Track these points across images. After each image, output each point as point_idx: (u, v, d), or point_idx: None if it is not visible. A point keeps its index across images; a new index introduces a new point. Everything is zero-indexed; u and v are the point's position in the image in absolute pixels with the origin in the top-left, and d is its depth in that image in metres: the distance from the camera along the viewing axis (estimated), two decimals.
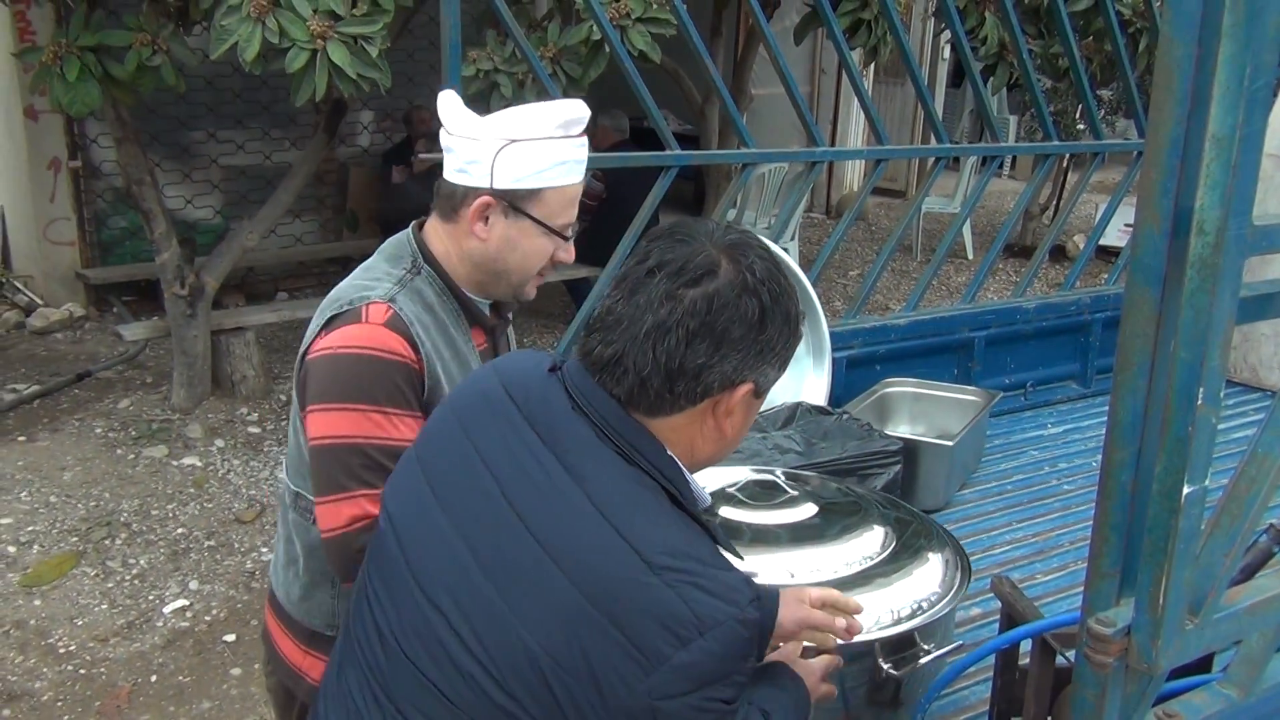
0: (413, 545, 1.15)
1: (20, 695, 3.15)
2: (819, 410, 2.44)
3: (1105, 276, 4.62)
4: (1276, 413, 0.98)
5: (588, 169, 1.55)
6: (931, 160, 3.53)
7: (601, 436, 1.10)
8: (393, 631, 1.13)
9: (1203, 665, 1.36)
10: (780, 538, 1.64)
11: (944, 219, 8.62)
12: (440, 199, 1.55)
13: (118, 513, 4.19)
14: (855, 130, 9.89)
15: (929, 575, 1.60)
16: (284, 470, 1.65)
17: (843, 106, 9.75)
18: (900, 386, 2.78)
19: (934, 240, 8.58)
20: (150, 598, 3.66)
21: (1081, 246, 6.66)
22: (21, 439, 4.75)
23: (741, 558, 1.18)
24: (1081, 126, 8.00)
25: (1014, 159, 11.35)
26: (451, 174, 1.52)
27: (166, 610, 3.60)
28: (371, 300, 1.47)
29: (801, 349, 2.45)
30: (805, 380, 2.61)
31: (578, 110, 1.49)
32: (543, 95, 3.58)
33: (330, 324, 1.48)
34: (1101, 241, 4.49)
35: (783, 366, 1.16)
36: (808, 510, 1.69)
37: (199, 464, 4.62)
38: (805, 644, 1.35)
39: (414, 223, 1.61)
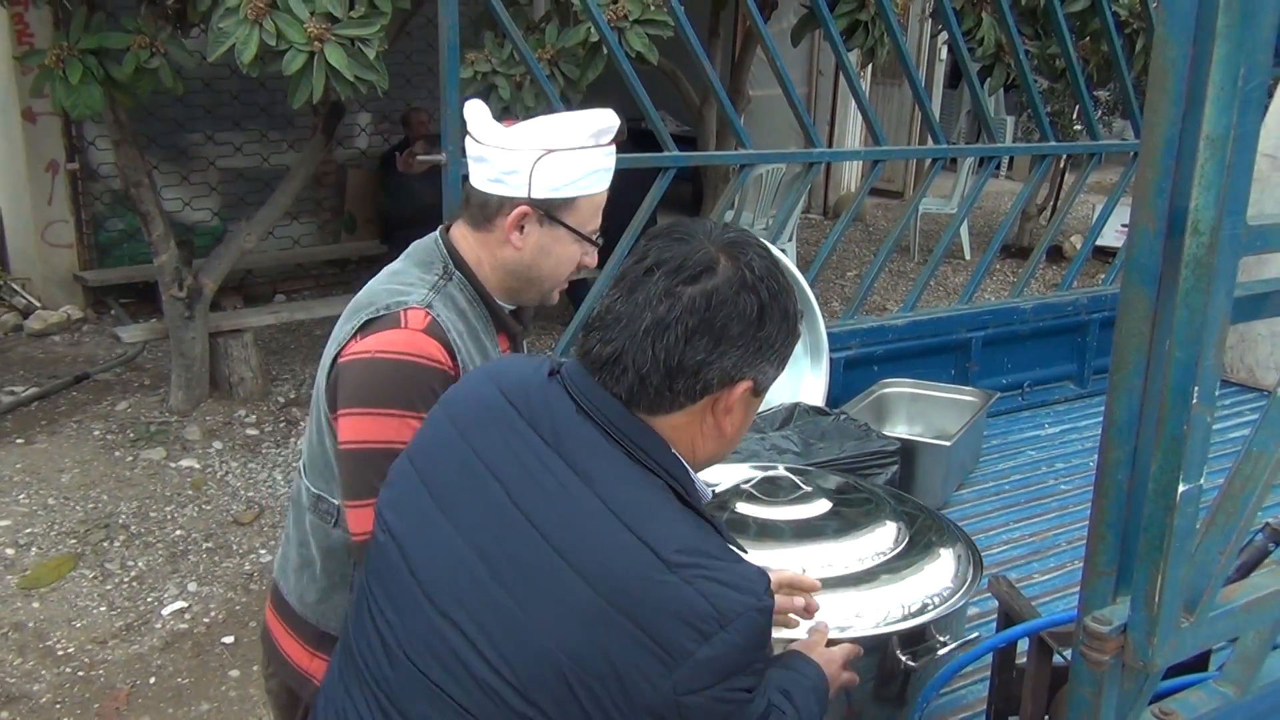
0: (417, 556, 1.14)
1: (19, 697, 3.15)
2: (817, 411, 2.45)
3: (1102, 277, 4.61)
4: (1272, 412, 0.99)
5: None
6: (929, 161, 3.54)
7: (607, 437, 1.10)
8: (399, 643, 1.12)
9: (1199, 663, 1.37)
10: (793, 533, 1.65)
11: (941, 219, 8.62)
12: (471, 208, 1.56)
13: (116, 515, 4.19)
14: (853, 131, 9.89)
15: (942, 570, 1.61)
16: (302, 473, 1.63)
17: (840, 107, 9.76)
18: (898, 387, 2.79)
19: (931, 241, 8.58)
20: (149, 600, 3.66)
21: (1079, 247, 6.66)
22: (19, 441, 4.74)
23: (746, 551, 1.19)
24: (1078, 127, 8.02)
25: (1011, 160, 11.35)
26: (483, 183, 1.52)
27: (165, 612, 3.59)
28: (409, 305, 1.47)
29: (799, 349, 2.47)
30: (803, 380, 2.62)
31: (609, 119, 1.51)
32: (540, 97, 3.58)
33: (366, 327, 1.47)
34: (1099, 242, 4.50)
35: (781, 364, 1.16)
36: (821, 506, 1.71)
37: (197, 466, 4.62)
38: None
39: (440, 227, 1.61)
